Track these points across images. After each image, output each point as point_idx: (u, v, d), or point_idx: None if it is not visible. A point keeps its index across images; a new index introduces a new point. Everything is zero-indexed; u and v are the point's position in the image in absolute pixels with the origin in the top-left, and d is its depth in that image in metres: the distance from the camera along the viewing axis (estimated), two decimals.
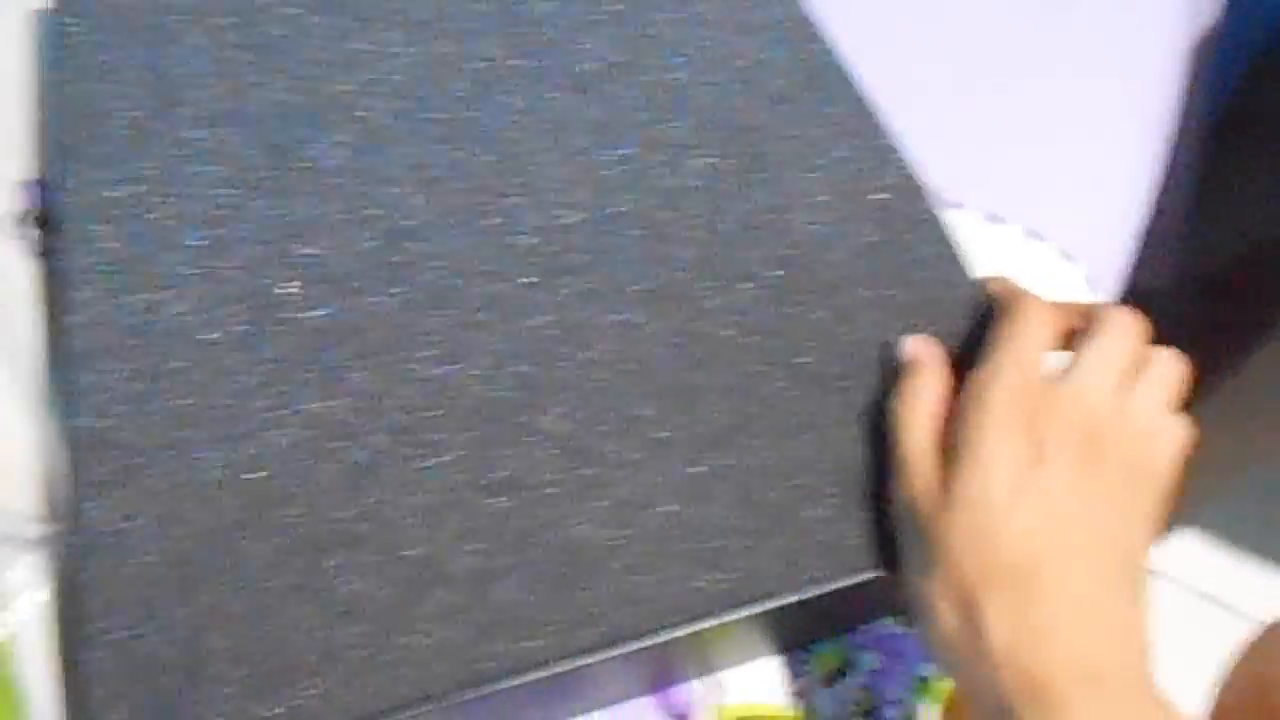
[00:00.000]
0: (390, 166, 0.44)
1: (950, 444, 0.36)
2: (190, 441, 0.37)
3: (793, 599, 0.37)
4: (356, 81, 0.47)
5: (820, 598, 0.38)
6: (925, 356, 0.39)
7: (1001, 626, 0.32)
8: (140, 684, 0.33)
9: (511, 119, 0.46)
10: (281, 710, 0.33)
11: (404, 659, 0.34)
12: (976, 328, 0.41)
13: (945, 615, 0.34)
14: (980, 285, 0.43)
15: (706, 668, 0.42)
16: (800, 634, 0.43)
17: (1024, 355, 0.36)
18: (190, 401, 0.38)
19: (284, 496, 0.36)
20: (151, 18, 0.48)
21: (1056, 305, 0.39)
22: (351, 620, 0.35)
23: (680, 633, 0.36)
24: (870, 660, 0.44)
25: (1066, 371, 0.36)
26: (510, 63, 0.48)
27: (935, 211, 0.45)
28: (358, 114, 0.46)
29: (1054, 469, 0.34)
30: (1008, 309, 0.38)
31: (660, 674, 0.41)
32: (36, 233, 0.49)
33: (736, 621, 0.37)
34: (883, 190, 0.46)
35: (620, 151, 0.46)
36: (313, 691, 0.33)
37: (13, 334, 0.45)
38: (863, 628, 0.45)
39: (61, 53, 0.47)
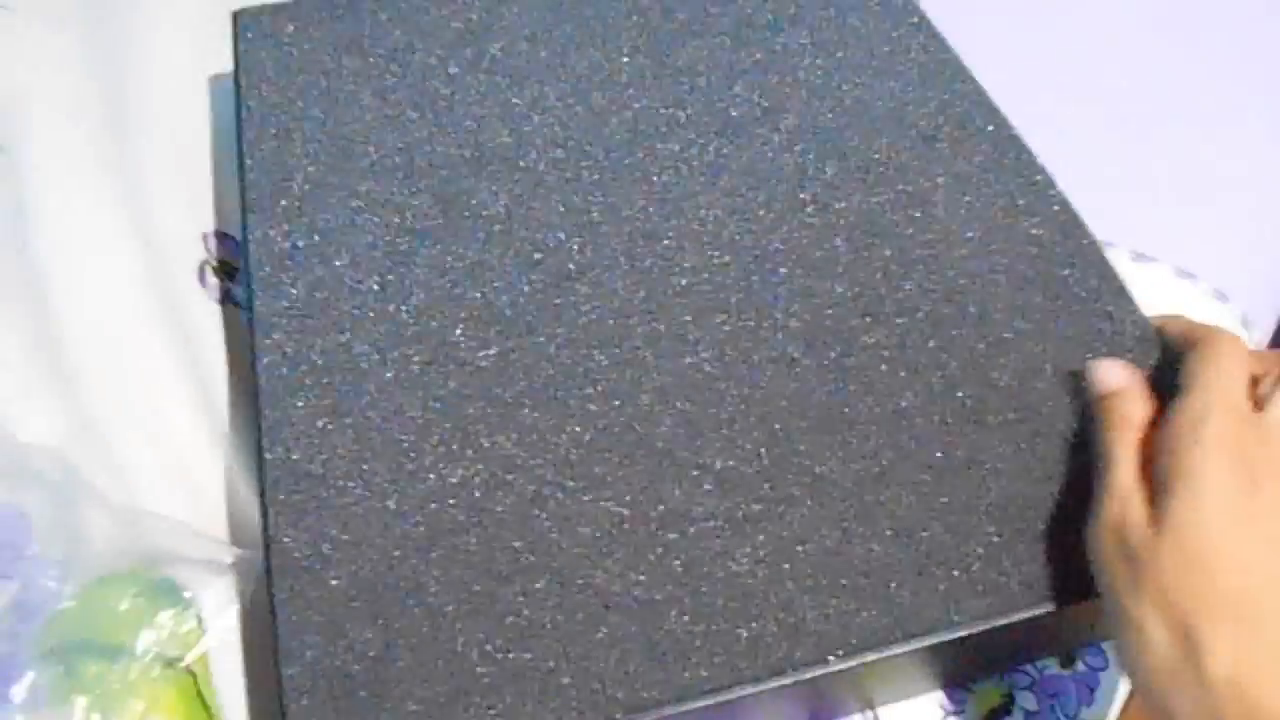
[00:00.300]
0: (551, 213, 0.46)
1: (1156, 473, 0.36)
2: (372, 472, 0.39)
3: (955, 635, 0.37)
4: (516, 133, 0.49)
5: (981, 634, 0.38)
6: (1130, 382, 0.39)
7: (1223, 657, 0.32)
8: (331, 701, 0.35)
9: (664, 164, 0.48)
10: None
11: (576, 683, 0.35)
12: (1143, 361, 0.41)
13: (1156, 644, 0.33)
14: (1144, 319, 0.43)
15: (865, 702, 0.43)
16: (960, 671, 0.43)
17: (1233, 386, 0.36)
18: (371, 435, 0.40)
19: (460, 526, 0.38)
20: (324, 81, 0.52)
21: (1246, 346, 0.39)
22: (526, 644, 0.36)
23: (842, 665, 0.36)
24: (1030, 700, 0.43)
25: (1270, 406, 0.36)
26: (662, 111, 0.50)
27: (1094, 244, 0.45)
28: (519, 164, 0.48)
29: (1271, 498, 0.34)
30: (1203, 343, 0.38)
31: (819, 706, 0.42)
32: (219, 281, 0.52)
33: (898, 656, 0.37)
34: (1038, 225, 0.46)
35: (771, 193, 0.47)
36: (490, 710, 0.35)
37: (204, 375, 0.48)
38: (1023, 667, 0.44)
39: (242, 114, 0.50)
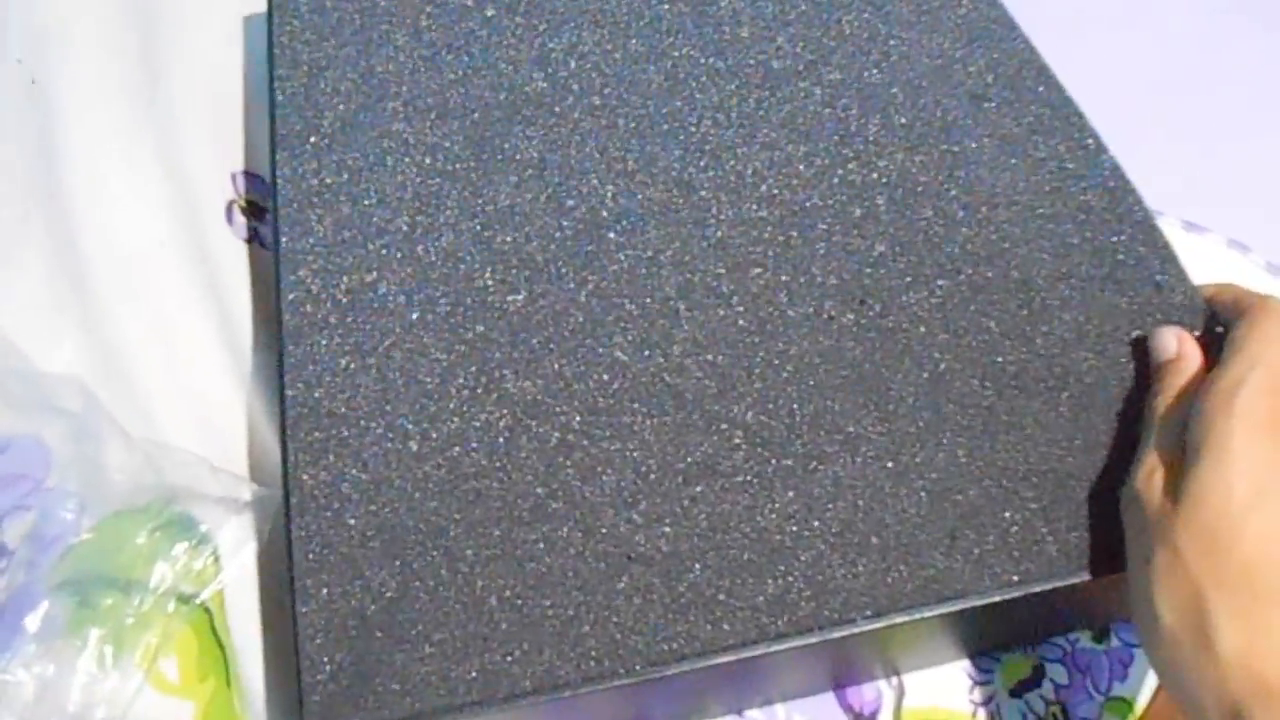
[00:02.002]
0: (585, 159, 0.45)
1: (1187, 442, 0.35)
2: (395, 414, 0.39)
3: (988, 600, 0.36)
4: (552, 79, 0.48)
5: (1013, 602, 0.36)
6: (1180, 352, 0.38)
7: (1234, 629, 0.31)
8: (346, 640, 0.34)
9: (703, 114, 0.47)
10: (476, 674, 0.34)
11: (595, 633, 0.35)
12: (1190, 331, 0.40)
13: (1170, 614, 0.32)
14: (1194, 288, 0.41)
15: (890, 668, 0.42)
16: (990, 639, 0.42)
17: (1275, 358, 0.35)
18: (395, 376, 0.39)
19: (482, 470, 0.37)
20: (358, 20, 0.51)
21: None
22: (546, 592, 0.35)
23: (870, 626, 0.35)
24: (1060, 673, 0.42)
25: None
26: (702, 61, 0.49)
27: (1144, 211, 0.44)
28: (554, 109, 0.47)
29: None
30: (1252, 311, 0.37)
31: (844, 670, 0.41)
32: (245, 220, 0.52)
33: (927, 619, 0.36)
34: (1086, 190, 0.44)
35: (812, 147, 0.46)
36: (507, 658, 0.34)
37: (229, 313, 0.48)
38: (1053, 640, 0.43)
39: (274, 53, 0.49)
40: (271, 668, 0.40)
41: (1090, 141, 0.46)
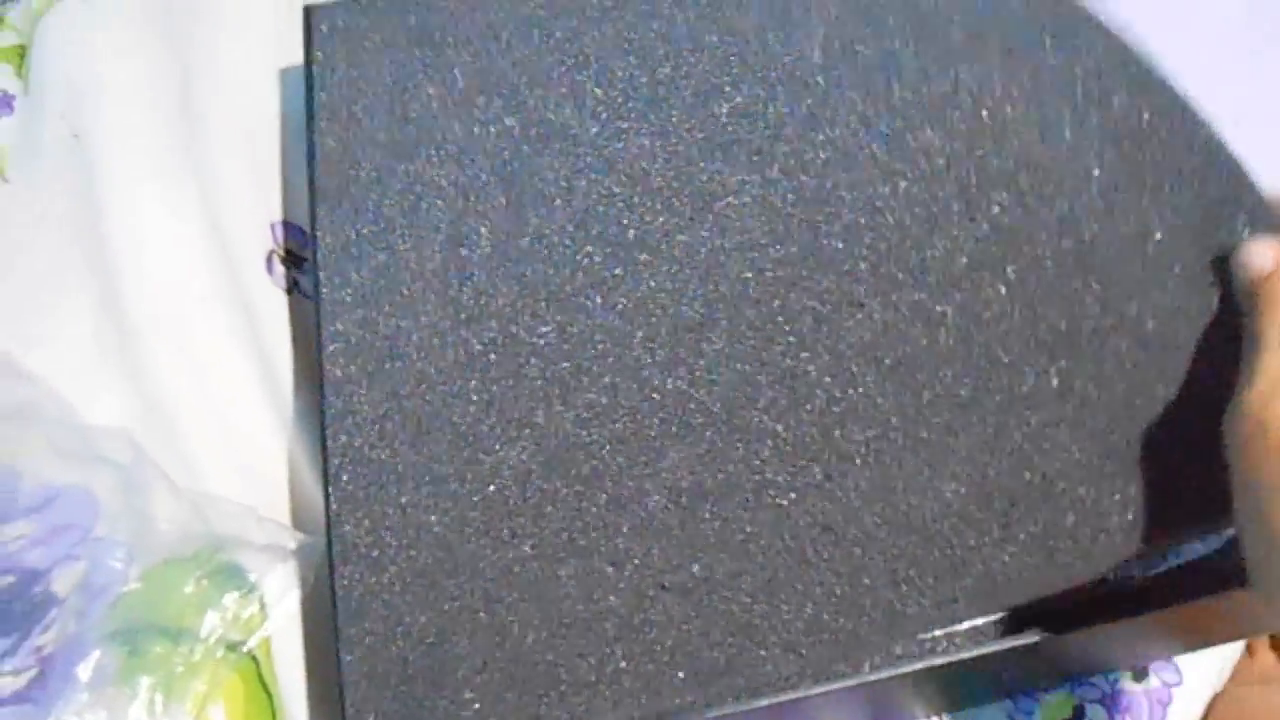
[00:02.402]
0: (613, 183, 0.45)
1: None
2: (433, 458, 0.39)
3: (1030, 640, 0.36)
4: (580, 107, 0.48)
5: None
6: None
7: None
8: (389, 686, 0.35)
9: (728, 124, 0.47)
10: (517, 717, 0.34)
11: (632, 669, 0.35)
12: None
13: None
14: (1264, 199, 0.39)
15: (932, 708, 0.42)
16: (1033, 676, 0.42)
17: None
18: (433, 421, 0.40)
19: (515, 509, 0.38)
20: (395, 70, 0.52)
21: None
22: (584, 631, 0.36)
23: (921, 665, 0.35)
24: (1100, 714, 0.42)
25: None
26: (725, 72, 0.48)
27: (1210, 133, 0.41)
28: (581, 137, 0.47)
29: None
30: None
31: (882, 707, 0.41)
32: (285, 270, 0.53)
33: (975, 658, 0.36)
34: (1166, 140, 0.41)
35: (833, 134, 0.45)
36: (545, 699, 0.35)
37: (270, 362, 0.49)
38: (1093, 679, 0.43)
39: (313, 109, 0.50)
40: (316, 714, 0.40)
41: (1155, 78, 0.43)
